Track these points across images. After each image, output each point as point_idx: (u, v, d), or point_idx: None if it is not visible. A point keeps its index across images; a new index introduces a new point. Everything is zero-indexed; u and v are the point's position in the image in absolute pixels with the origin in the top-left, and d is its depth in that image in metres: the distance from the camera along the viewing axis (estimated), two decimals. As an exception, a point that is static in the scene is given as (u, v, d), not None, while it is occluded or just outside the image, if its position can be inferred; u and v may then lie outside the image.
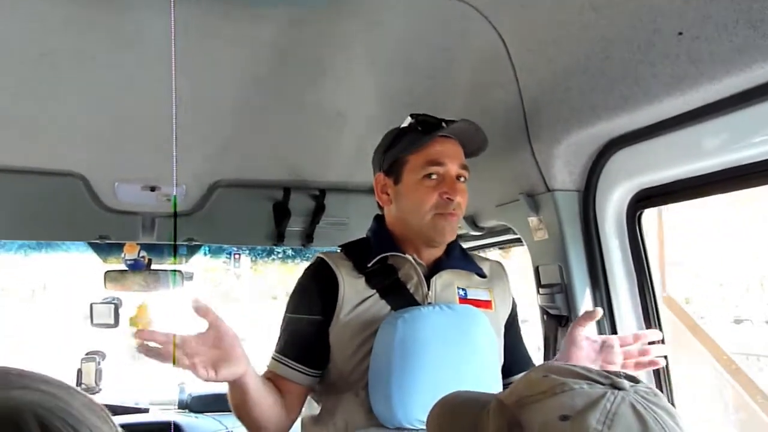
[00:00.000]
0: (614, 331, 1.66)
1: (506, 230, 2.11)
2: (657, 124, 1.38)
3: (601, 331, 1.67)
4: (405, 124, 1.50)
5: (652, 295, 1.63)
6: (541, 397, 0.69)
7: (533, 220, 1.77)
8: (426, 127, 1.46)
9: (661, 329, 1.61)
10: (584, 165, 1.63)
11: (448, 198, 1.42)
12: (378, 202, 1.57)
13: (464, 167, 1.48)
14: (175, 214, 2.35)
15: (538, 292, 1.80)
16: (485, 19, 1.58)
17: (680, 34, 1.12)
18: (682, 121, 1.31)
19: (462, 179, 1.47)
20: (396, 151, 1.49)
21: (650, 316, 1.62)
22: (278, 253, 3.51)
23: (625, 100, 1.34)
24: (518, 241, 1.97)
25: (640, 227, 1.62)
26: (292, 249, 3.01)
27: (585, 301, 1.67)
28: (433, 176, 1.44)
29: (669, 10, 1.14)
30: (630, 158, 1.52)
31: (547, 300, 1.76)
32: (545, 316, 1.77)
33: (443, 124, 1.46)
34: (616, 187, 1.57)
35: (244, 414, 1.40)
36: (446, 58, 1.77)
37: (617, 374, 0.71)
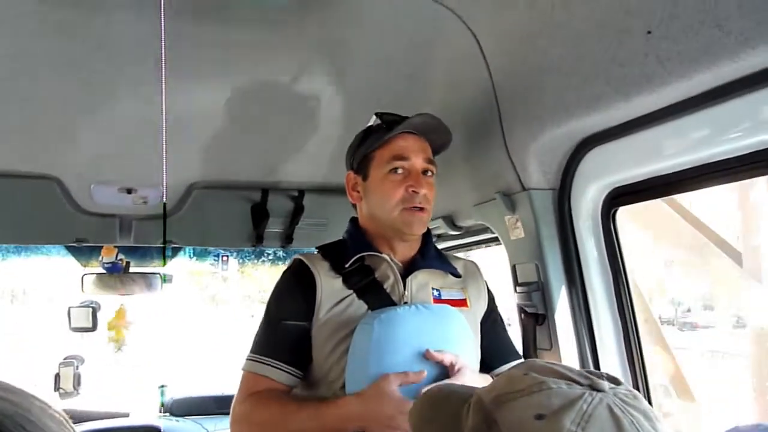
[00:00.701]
0: (591, 329, 1.67)
1: (484, 229, 2.12)
2: (629, 122, 1.39)
3: (578, 329, 1.68)
4: (372, 123, 1.54)
5: (627, 293, 1.64)
6: (519, 395, 0.69)
7: (510, 218, 1.78)
8: (389, 124, 1.50)
9: (636, 326, 1.63)
10: (559, 164, 1.63)
11: (413, 191, 1.46)
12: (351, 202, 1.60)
13: (430, 161, 1.51)
14: (165, 215, 2.32)
15: (515, 290, 1.81)
16: (460, 19, 1.59)
17: (649, 33, 1.14)
18: (653, 120, 1.32)
19: (429, 173, 1.51)
20: (363, 148, 1.53)
21: (626, 313, 1.63)
22: (268, 254, 3.47)
23: (598, 98, 1.35)
24: (496, 240, 1.98)
25: (614, 225, 1.63)
26: (284, 251, 2.97)
27: (561, 299, 1.68)
28: (399, 170, 1.47)
29: (638, 9, 1.15)
30: (603, 156, 1.53)
31: (524, 298, 1.76)
32: (522, 315, 1.78)
33: (404, 120, 1.49)
34: (591, 185, 1.59)
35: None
36: (423, 60, 1.79)
37: (599, 375, 0.72)
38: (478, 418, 0.71)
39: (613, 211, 1.61)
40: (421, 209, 1.48)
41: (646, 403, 0.70)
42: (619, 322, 1.63)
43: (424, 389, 0.94)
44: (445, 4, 1.55)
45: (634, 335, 1.61)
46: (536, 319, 1.73)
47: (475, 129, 1.81)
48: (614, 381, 0.71)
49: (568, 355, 1.66)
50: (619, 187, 1.55)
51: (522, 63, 1.55)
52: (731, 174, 1.29)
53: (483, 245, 2.31)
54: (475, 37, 1.61)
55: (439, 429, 0.80)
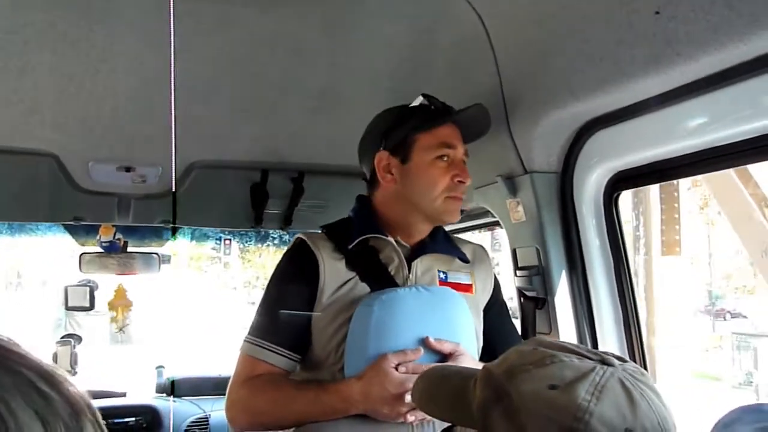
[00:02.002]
0: (590, 313, 1.67)
1: (485, 213, 2.11)
2: (634, 105, 1.38)
3: (577, 314, 1.68)
4: (416, 103, 1.48)
5: (628, 277, 1.64)
6: (531, 367, 0.70)
7: (511, 202, 1.77)
8: (440, 109, 1.47)
9: (636, 311, 1.63)
10: (562, 147, 1.63)
11: (459, 181, 1.44)
12: (369, 182, 1.55)
13: (466, 152, 1.49)
14: (175, 195, 2.30)
15: (515, 274, 1.81)
16: (465, 0, 1.57)
17: (657, 13, 1.12)
18: (659, 102, 1.31)
19: (464, 163, 1.48)
20: (403, 129, 1.46)
21: (626, 298, 1.63)
22: (273, 238, 3.40)
23: (603, 81, 1.34)
24: (497, 223, 1.97)
25: (617, 209, 1.62)
26: (289, 235, 2.90)
27: (562, 283, 1.68)
28: (444, 158, 1.44)
29: (646, -11, 1.14)
30: (607, 140, 1.52)
31: (525, 282, 1.76)
32: (522, 299, 1.78)
33: (449, 108, 1.47)
34: (594, 168, 1.58)
35: (281, 417, 1.41)
36: (427, 41, 1.77)
37: (606, 353, 0.73)
38: (488, 390, 0.72)
39: (615, 195, 1.60)
40: (461, 198, 1.46)
41: (652, 380, 0.70)
42: (619, 307, 1.64)
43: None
44: (451, -17, 1.53)
45: (633, 320, 1.62)
46: (536, 302, 1.73)
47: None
48: (621, 359, 0.72)
49: (567, 340, 1.66)
50: (622, 171, 1.54)
51: (527, 45, 1.53)
52: (737, 158, 1.28)
53: (482, 229, 2.30)
54: (480, 18, 1.59)
55: (445, 403, 0.80)
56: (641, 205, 6.23)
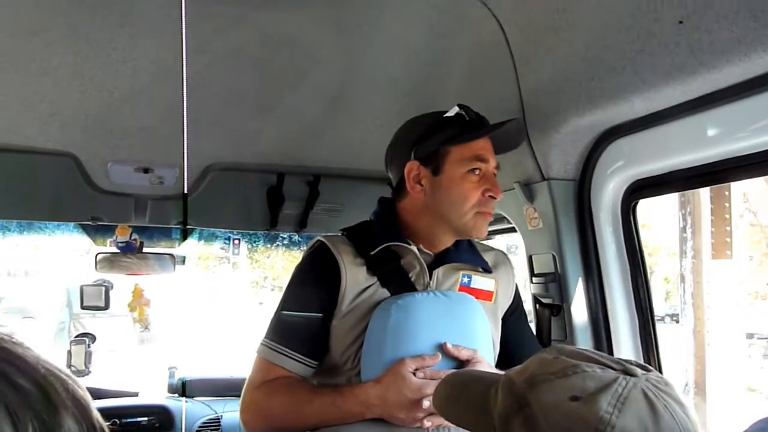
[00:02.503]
0: (606, 321, 1.66)
1: (501, 219, 2.11)
2: (654, 114, 1.38)
3: (594, 321, 1.68)
4: (451, 114, 1.43)
5: (645, 286, 1.63)
6: (552, 377, 0.69)
7: (528, 209, 1.77)
8: (475, 120, 1.42)
9: (653, 319, 1.62)
10: (580, 154, 1.63)
11: (491, 196, 1.41)
12: (395, 189, 1.51)
13: (497, 166, 1.46)
14: (186, 197, 2.31)
15: (531, 281, 1.81)
16: (485, 6, 1.57)
17: (680, 23, 1.12)
18: (679, 112, 1.31)
19: (495, 177, 1.45)
20: (438, 140, 1.42)
21: (643, 307, 1.63)
22: (283, 239, 3.32)
23: (623, 89, 1.34)
24: (513, 230, 1.97)
25: (634, 217, 1.62)
26: (299, 235, 2.88)
27: (578, 291, 1.68)
28: (477, 172, 1.40)
29: (669, -1, 1.14)
30: (626, 148, 1.52)
31: (541, 289, 1.76)
32: (538, 305, 1.78)
33: (487, 122, 1.44)
34: (612, 177, 1.58)
35: (297, 421, 1.40)
36: (445, 46, 1.77)
37: (629, 361, 0.72)
38: (510, 399, 0.71)
39: (633, 204, 1.60)
40: (491, 213, 1.44)
41: (677, 390, 0.70)
42: (636, 316, 1.63)
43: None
44: (472, -10, 1.53)
45: (651, 330, 1.61)
46: (552, 309, 1.73)
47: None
48: (644, 368, 0.71)
49: (583, 347, 1.65)
50: (640, 180, 1.54)
51: (547, 52, 1.53)
52: (756, 169, 1.28)
53: (498, 235, 2.30)
54: (500, 25, 1.59)
55: (466, 409, 0.80)
56: (689, 205, 5.77)
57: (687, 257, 5.81)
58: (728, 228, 5.64)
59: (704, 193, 5.63)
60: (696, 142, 1.34)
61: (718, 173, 1.36)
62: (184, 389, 3.10)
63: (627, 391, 0.66)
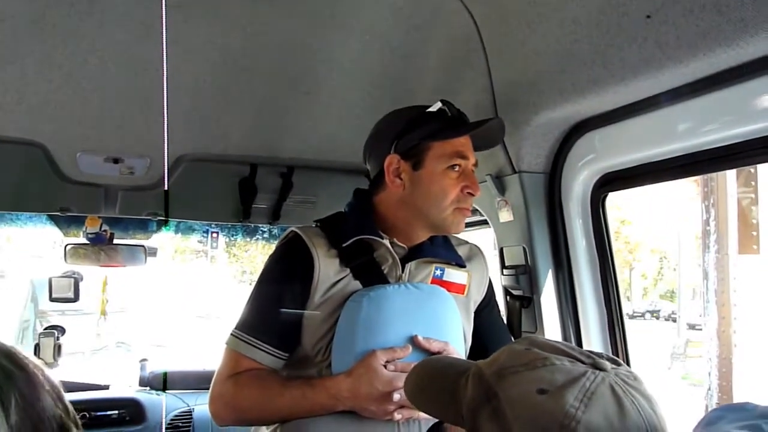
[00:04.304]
0: (576, 313, 1.68)
1: (473, 211, 2.12)
2: (623, 107, 1.40)
3: (563, 313, 1.69)
4: (434, 109, 1.42)
5: (613, 278, 1.66)
6: (522, 369, 0.69)
7: (499, 201, 1.78)
8: (457, 117, 1.42)
9: (621, 312, 1.65)
10: (552, 147, 1.64)
11: (469, 193, 1.40)
12: (373, 181, 1.50)
13: (476, 162, 1.45)
14: (167, 189, 2.27)
15: (501, 273, 1.82)
16: (459, 0, 1.57)
17: (648, 17, 1.14)
18: (648, 105, 1.33)
19: (473, 173, 1.45)
20: (419, 134, 1.41)
21: (611, 299, 1.65)
22: (263, 232, 3.26)
23: (593, 83, 1.36)
24: (485, 222, 1.98)
25: (603, 210, 1.64)
26: (279, 229, 2.82)
27: (548, 283, 1.69)
28: (457, 168, 1.40)
29: (638, -7, 1.15)
30: (596, 141, 1.54)
31: (511, 281, 1.77)
32: (509, 297, 1.79)
33: (467, 119, 1.44)
34: (582, 169, 1.59)
35: (266, 414, 1.41)
36: (419, 39, 1.76)
37: (599, 355, 0.72)
38: (478, 390, 0.71)
39: (603, 196, 1.62)
40: (469, 209, 1.44)
41: (646, 384, 0.70)
42: (604, 308, 1.65)
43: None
44: (445, -18, 1.53)
45: (618, 321, 1.63)
46: (522, 301, 1.74)
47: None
48: (614, 362, 0.71)
49: (552, 338, 1.67)
50: (610, 173, 1.56)
51: (519, 46, 1.54)
52: (724, 162, 1.30)
53: (470, 228, 2.31)
54: (473, 18, 1.60)
55: (436, 398, 0.80)
56: (712, 196, 5.38)
57: (710, 252, 5.45)
58: (755, 221, 5.32)
59: (731, 184, 5.27)
60: (665, 135, 1.36)
61: (687, 166, 1.38)
62: (164, 383, 3.06)
63: (594, 385, 0.66)
